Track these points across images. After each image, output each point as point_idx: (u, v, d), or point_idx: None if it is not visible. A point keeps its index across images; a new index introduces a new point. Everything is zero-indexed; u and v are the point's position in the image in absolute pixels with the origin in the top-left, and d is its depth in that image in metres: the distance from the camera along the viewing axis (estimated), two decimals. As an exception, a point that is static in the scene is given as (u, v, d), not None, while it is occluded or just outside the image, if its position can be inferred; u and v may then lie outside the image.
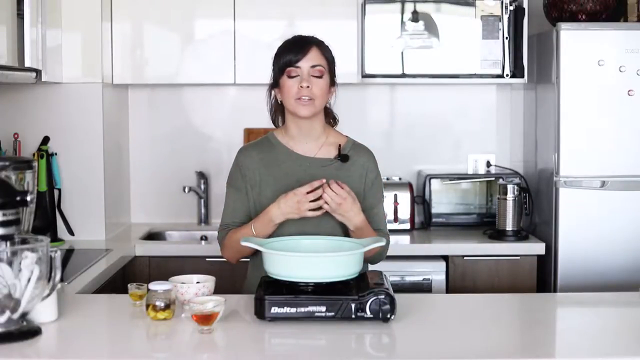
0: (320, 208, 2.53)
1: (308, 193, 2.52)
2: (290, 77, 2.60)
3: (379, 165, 2.75)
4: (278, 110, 2.72)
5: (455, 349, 2.16)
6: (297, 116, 2.63)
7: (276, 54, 2.65)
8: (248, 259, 2.77)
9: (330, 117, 2.75)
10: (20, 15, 3.14)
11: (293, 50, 2.61)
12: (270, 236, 2.58)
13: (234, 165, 2.73)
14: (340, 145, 2.70)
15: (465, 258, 3.77)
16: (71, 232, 3.74)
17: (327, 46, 2.66)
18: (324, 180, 2.53)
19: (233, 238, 2.66)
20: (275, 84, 2.66)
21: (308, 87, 2.58)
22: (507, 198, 3.89)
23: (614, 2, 3.84)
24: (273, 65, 2.66)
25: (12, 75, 3.14)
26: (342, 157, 2.67)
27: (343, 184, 2.54)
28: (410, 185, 4.12)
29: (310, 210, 2.52)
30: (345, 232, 2.62)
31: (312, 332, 2.25)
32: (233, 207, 2.71)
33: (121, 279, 3.39)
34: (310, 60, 2.59)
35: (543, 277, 3.82)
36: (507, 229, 3.88)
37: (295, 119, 2.65)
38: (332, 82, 2.66)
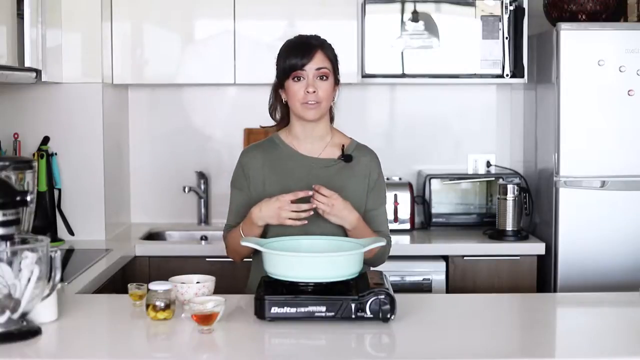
0: (301, 219, 2.52)
1: (292, 202, 2.51)
2: (295, 80, 2.60)
3: (381, 166, 2.75)
4: (278, 107, 2.72)
5: (455, 349, 2.16)
6: (303, 119, 2.63)
7: (280, 55, 2.65)
8: (250, 259, 2.77)
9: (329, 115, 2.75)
10: (20, 15, 3.14)
11: (298, 53, 2.60)
12: (270, 236, 2.58)
13: (237, 166, 2.73)
14: (343, 145, 2.70)
15: (465, 258, 3.77)
16: (71, 232, 3.74)
17: (329, 45, 2.67)
18: (310, 192, 2.52)
19: (230, 238, 2.69)
20: (280, 85, 2.66)
21: (314, 91, 2.58)
22: (507, 198, 3.89)
23: (614, 2, 3.84)
24: (277, 65, 2.66)
25: (12, 75, 3.14)
26: (346, 158, 2.68)
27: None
28: (410, 185, 4.12)
29: (290, 219, 2.51)
30: (346, 233, 2.62)
31: (312, 332, 2.25)
32: (236, 209, 2.72)
33: (121, 279, 3.39)
34: (315, 63, 2.59)
35: (543, 277, 3.82)
36: (507, 229, 3.88)
37: (300, 121, 2.66)
38: (336, 81, 2.67)
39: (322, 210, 2.53)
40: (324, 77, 2.60)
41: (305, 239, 2.53)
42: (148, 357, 2.16)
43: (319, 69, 2.59)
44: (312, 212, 2.53)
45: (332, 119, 2.77)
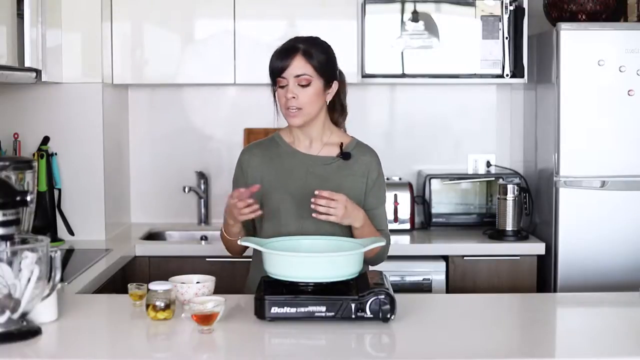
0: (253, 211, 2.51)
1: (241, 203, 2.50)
2: (279, 87, 2.60)
3: (381, 166, 2.75)
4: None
5: (455, 349, 2.16)
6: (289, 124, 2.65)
7: (270, 60, 2.65)
8: (250, 259, 2.77)
9: (339, 112, 2.74)
10: (20, 15, 3.14)
11: (278, 59, 2.60)
12: (265, 236, 2.58)
13: (237, 166, 2.74)
14: (342, 143, 2.70)
15: (465, 258, 3.77)
16: (71, 232, 3.74)
17: (318, 47, 2.62)
18: (255, 188, 2.50)
19: (222, 235, 2.71)
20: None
21: (294, 97, 2.57)
22: (507, 198, 3.89)
23: (614, 2, 3.84)
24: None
25: (12, 75, 3.14)
26: (344, 155, 2.68)
27: (328, 192, 2.50)
28: (410, 185, 4.12)
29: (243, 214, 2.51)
30: (344, 232, 2.62)
31: (312, 332, 2.25)
32: None
33: (121, 279, 3.39)
34: (294, 69, 2.57)
35: (543, 277, 3.82)
36: (507, 229, 3.88)
37: None
38: (328, 84, 2.63)
39: (335, 217, 2.49)
40: (305, 84, 2.58)
41: (306, 239, 2.53)
42: (148, 357, 2.16)
43: (297, 76, 2.57)
44: (259, 212, 2.51)
45: (344, 114, 2.75)
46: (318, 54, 2.61)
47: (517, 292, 3.65)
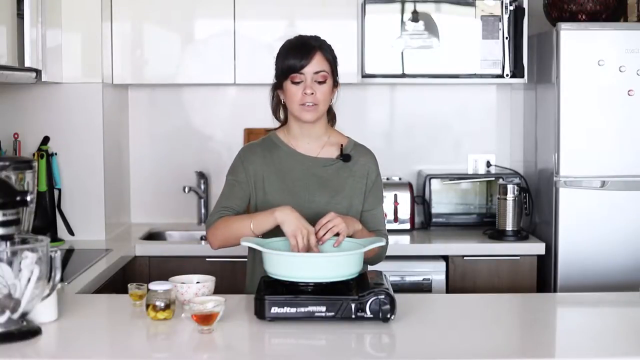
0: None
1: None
2: (294, 82, 2.59)
3: (379, 166, 2.76)
4: (280, 106, 2.72)
5: (456, 349, 2.16)
6: (301, 121, 2.64)
7: (279, 55, 2.64)
8: (246, 259, 2.77)
9: (330, 116, 2.75)
10: (20, 15, 3.14)
11: (297, 55, 2.59)
12: (270, 236, 2.58)
13: (237, 159, 2.71)
14: (342, 145, 2.71)
15: (465, 258, 3.77)
16: (71, 232, 3.74)
17: (329, 46, 2.66)
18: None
19: (227, 223, 2.60)
20: (278, 85, 2.66)
21: (312, 93, 2.58)
22: (507, 198, 3.89)
23: (614, 2, 3.84)
24: (276, 65, 2.65)
25: (12, 75, 3.14)
26: (345, 157, 2.68)
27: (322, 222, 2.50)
28: (410, 185, 4.12)
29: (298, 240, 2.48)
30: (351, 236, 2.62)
31: (312, 332, 2.25)
32: (231, 194, 2.67)
33: (121, 279, 3.39)
34: (314, 66, 2.58)
35: (543, 277, 3.82)
36: (507, 229, 3.88)
37: (298, 122, 2.66)
38: (335, 83, 2.66)
39: (343, 233, 2.48)
40: (323, 81, 2.60)
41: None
42: (148, 357, 2.16)
43: (317, 72, 2.58)
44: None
45: (334, 119, 2.77)
46: (331, 50, 2.66)
47: (517, 292, 3.65)
